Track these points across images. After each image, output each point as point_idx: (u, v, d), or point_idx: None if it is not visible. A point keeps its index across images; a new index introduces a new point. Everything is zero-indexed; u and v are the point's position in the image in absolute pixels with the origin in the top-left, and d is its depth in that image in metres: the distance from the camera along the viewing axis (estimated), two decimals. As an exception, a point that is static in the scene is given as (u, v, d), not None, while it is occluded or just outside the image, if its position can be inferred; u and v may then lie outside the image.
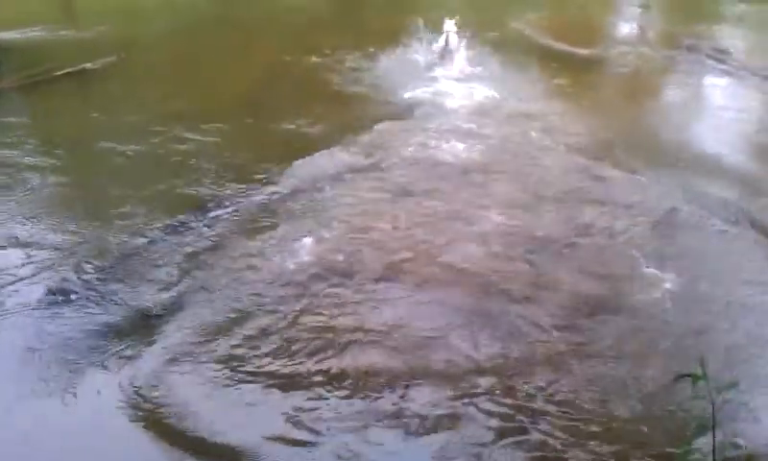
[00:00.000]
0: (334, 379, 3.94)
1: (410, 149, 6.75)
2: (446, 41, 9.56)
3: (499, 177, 6.24)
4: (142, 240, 5.22)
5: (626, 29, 12.33)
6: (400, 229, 5.39)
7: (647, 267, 4.89)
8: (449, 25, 9.68)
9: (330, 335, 4.25)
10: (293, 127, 7.25)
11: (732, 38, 10.92)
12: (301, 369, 4.02)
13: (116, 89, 8.37)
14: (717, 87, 8.91)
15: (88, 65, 8.64)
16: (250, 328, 4.33)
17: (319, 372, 3.99)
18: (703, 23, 11.89)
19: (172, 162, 6.50)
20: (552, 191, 5.96)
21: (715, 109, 8.17)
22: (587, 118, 7.48)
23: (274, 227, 5.45)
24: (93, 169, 6.62)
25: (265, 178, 6.18)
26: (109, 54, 9.06)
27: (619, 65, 9.48)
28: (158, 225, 5.43)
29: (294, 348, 4.17)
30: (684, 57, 9.69)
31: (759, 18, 12.67)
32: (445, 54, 9.49)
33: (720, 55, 9.58)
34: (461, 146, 6.87)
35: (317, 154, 6.62)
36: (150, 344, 4.23)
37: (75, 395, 3.89)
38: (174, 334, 4.30)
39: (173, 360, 4.10)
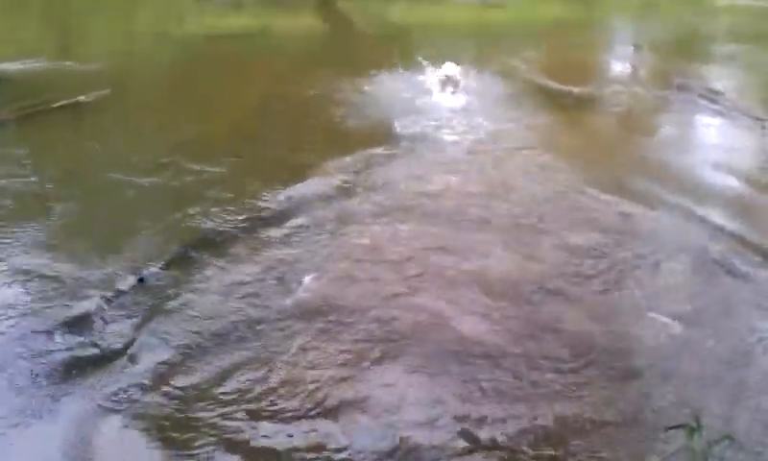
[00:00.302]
0: (316, 449, 3.66)
1: (407, 182, 6.76)
2: (442, 76, 9.64)
3: (499, 212, 6.20)
4: (142, 274, 5.15)
5: (619, 68, 12.42)
6: (396, 267, 5.33)
7: (654, 310, 4.83)
8: (445, 60, 9.77)
9: (319, 394, 4.02)
10: (289, 158, 7.27)
11: (723, 78, 11.00)
12: (280, 430, 3.76)
13: (113, 122, 8.36)
14: (711, 127, 8.95)
15: (82, 98, 8.64)
16: (234, 381, 4.12)
17: (301, 437, 3.72)
18: (694, 63, 12.01)
19: (171, 194, 6.49)
20: (554, 227, 5.93)
21: (710, 148, 8.20)
22: (583, 154, 7.50)
23: (272, 259, 5.40)
24: (96, 200, 6.57)
25: (262, 209, 6.18)
26: (104, 87, 9.08)
27: (613, 104, 9.54)
28: (159, 257, 5.38)
29: (276, 406, 3.94)
30: (675, 96, 9.77)
31: (749, 58, 12.80)
32: (442, 88, 9.57)
33: (711, 95, 9.66)
34: (459, 179, 6.86)
35: (313, 186, 6.62)
36: (123, 384, 4.09)
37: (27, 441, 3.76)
38: (149, 379, 4.15)
39: (137, 409, 3.93)
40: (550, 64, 11.42)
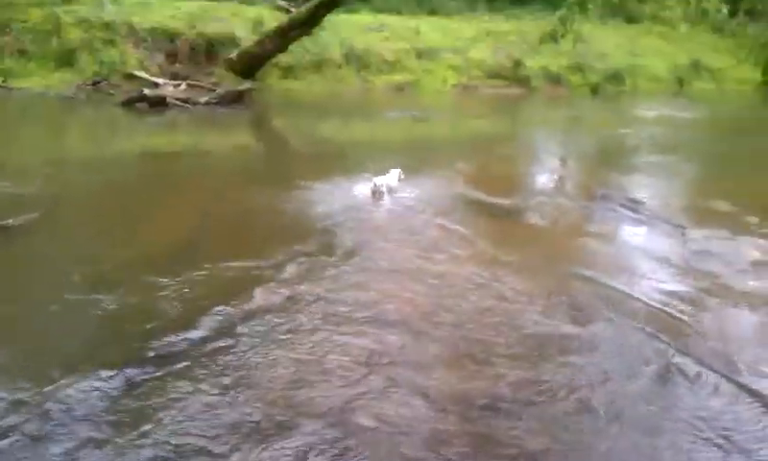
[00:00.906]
0: None
1: (346, 291, 6.75)
2: (376, 187, 9.89)
3: (442, 323, 6.19)
4: (74, 396, 4.95)
5: (543, 180, 12.93)
6: (336, 379, 5.25)
7: (612, 421, 4.81)
8: (378, 173, 10.04)
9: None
10: (230, 272, 7.18)
11: (645, 188, 11.59)
12: None
13: (47, 243, 8.16)
14: (634, 235, 9.25)
15: (10, 222, 8.47)
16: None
17: None
18: (618, 173, 12.64)
19: (108, 315, 6.28)
20: (499, 338, 5.93)
21: (636, 255, 8.40)
22: (518, 263, 7.60)
23: (215, 372, 5.30)
24: (36, 319, 6.31)
25: (203, 323, 6.05)
26: (37, 208, 8.95)
27: (539, 214, 9.81)
28: (91, 379, 5.16)
29: None
30: (598, 206, 10.21)
31: (671, 168, 13.55)
32: (376, 199, 9.81)
33: (633, 204, 10.13)
34: (399, 288, 6.90)
35: (256, 298, 6.55)
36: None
37: None
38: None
39: None
40: (479, 177, 11.88)
